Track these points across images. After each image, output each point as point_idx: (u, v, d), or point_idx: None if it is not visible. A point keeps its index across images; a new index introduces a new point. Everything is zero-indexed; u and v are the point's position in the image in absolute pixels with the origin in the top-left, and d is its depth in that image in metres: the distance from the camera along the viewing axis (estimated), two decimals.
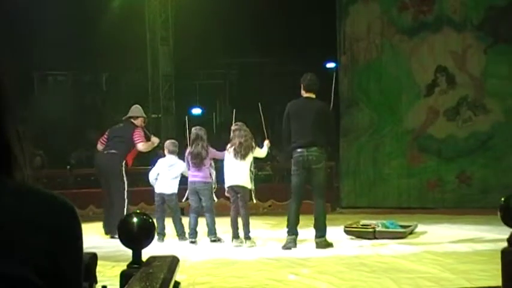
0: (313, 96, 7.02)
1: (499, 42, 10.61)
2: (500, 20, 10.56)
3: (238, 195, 7.40)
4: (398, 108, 11.31)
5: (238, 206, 7.37)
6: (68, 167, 12.22)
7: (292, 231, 6.92)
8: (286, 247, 6.83)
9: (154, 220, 7.69)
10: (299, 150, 6.81)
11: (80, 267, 0.92)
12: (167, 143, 8.11)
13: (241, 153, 7.34)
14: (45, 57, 13.64)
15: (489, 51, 10.67)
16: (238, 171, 7.36)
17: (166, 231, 7.87)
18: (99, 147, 8.37)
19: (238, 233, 7.29)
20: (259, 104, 7.91)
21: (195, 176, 7.64)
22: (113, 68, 16.07)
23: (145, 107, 8.61)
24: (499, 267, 2.22)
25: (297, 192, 6.97)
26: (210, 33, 13.69)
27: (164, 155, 8.12)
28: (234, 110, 7.94)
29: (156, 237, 8.33)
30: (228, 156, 7.46)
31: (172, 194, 7.90)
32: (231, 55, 15.54)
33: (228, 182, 7.42)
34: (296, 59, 13.89)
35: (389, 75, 11.39)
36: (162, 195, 7.88)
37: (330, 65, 14.79)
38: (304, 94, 7.05)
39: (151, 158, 9.00)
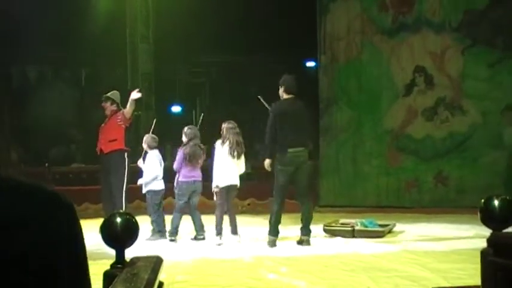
0: (294, 97, 7.13)
1: (476, 44, 10.74)
2: (478, 23, 10.69)
3: (230, 195, 7.47)
4: (378, 107, 11.38)
5: (227, 205, 7.42)
6: (46, 164, 12.08)
7: (273, 232, 6.97)
8: (269, 246, 6.91)
9: (151, 220, 7.68)
10: (290, 150, 6.85)
11: (77, 268, 0.86)
12: (148, 138, 8.06)
13: (239, 152, 7.38)
14: (25, 52, 13.46)
15: (467, 53, 10.79)
16: (235, 171, 7.41)
17: (146, 227, 7.83)
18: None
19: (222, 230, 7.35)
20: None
21: (193, 176, 7.61)
22: (93, 64, 15.92)
23: (125, 103, 8.50)
24: (477, 266, 2.24)
25: (282, 191, 7.01)
26: (191, 31, 13.64)
27: (145, 151, 8.08)
28: (202, 114, 8.05)
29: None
30: (223, 154, 7.38)
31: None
32: (211, 53, 15.48)
33: (226, 181, 7.37)
34: (277, 58, 13.91)
35: (369, 74, 11.44)
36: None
37: (310, 63, 14.84)
38: (284, 96, 7.11)
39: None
